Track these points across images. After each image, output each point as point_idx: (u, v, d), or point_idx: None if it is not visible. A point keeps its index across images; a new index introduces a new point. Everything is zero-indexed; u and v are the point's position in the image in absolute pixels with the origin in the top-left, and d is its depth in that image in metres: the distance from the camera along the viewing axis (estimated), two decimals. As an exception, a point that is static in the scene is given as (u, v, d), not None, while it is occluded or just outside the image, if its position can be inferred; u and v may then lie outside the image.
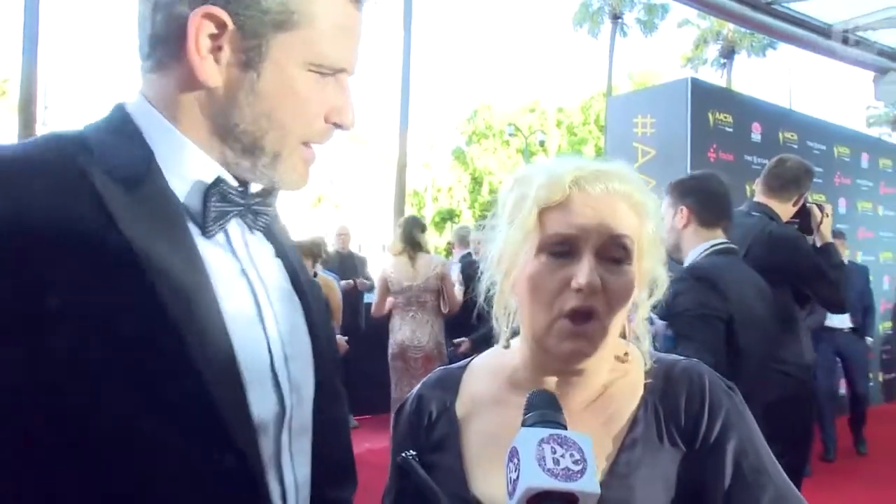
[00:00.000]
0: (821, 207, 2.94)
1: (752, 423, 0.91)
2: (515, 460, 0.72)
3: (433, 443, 0.98)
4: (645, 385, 0.93)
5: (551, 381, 0.93)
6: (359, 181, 37.70)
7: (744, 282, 2.32)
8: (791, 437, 2.46)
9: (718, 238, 2.36)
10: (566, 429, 0.75)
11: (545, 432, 0.72)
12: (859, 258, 6.86)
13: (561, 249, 0.87)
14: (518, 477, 0.70)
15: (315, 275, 4.96)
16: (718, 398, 0.90)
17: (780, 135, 5.98)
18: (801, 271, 2.73)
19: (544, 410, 0.76)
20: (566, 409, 0.81)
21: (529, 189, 0.90)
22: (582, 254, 0.86)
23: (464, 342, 4.51)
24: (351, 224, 8.47)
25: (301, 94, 0.79)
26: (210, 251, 0.78)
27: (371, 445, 4.92)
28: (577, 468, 0.69)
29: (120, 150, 0.76)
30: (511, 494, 0.72)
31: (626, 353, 0.96)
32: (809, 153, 6.23)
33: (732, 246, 2.39)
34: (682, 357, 0.98)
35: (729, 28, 31.70)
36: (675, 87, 5.63)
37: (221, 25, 0.74)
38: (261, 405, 0.77)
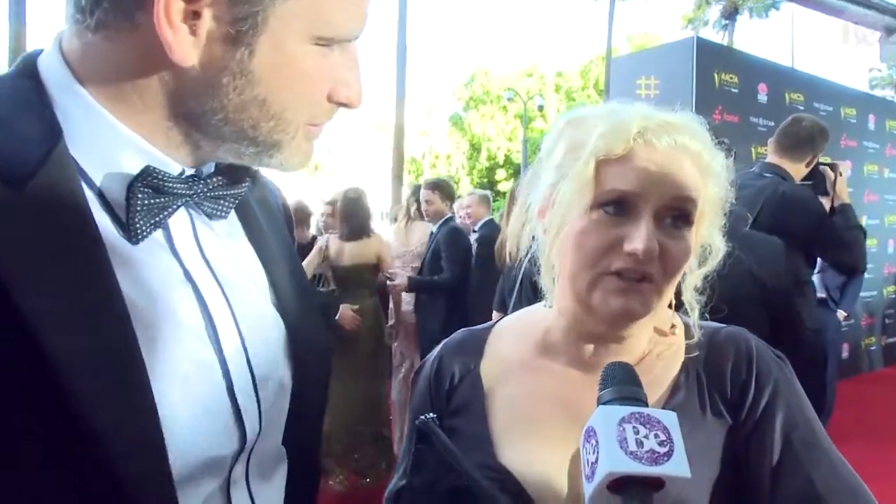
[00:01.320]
0: (833, 167, 2.86)
1: (802, 395, 0.85)
2: (593, 441, 0.65)
3: (455, 407, 0.92)
4: (687, 352, 0.87)
5: (588, 347, 0.87)
6: (356, 149, 37.41)
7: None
8: (809, 398, 2.43)
9: None
10: (647, 405, 0.68)
11: (626, 410, 0.65)
12: (864, 222, 6.79)
13: (617, 207, 0.79)
14: (598, 460, 0.64)
15: (314, 238, 4.86)
16: (767, 366, 0.84)
17: (787, 96, 5.86)
18: (814, 233, 2.64)
19: (622, 385, 0.69)
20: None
21: (587, 137, 0.81)
22: (640, 214, 0.78)
23: (399, 277, 4.17)
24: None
25: (305, 74, 0.62)
26: (138, 258, 0.61)
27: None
28: (663, 450, 0.63)
29: (12, 127, 0.57)
30: (589, 478, 0.65)
31: (672, 326, 0.89)
32: (815, 114, 6.05)
33: None
34: (725, 325, 0.91)
35: (731, -12, 31.07)
36: (680, 46, 5.49)
37: None
38: (204, 448, 0.62)
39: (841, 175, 2.83)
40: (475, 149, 34.84)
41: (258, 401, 0.68)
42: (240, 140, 0.64)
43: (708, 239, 0.86)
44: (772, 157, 2.87)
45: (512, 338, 0.96)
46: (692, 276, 0.87)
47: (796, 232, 2.61)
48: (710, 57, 5.30)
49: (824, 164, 2.88)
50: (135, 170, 0.61)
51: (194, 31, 0.57)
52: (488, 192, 5.33)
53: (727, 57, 5.79)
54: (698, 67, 5.08)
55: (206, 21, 0.57)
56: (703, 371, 0.85)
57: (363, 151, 37.43)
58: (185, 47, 0.57)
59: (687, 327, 0.89)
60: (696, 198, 0.80)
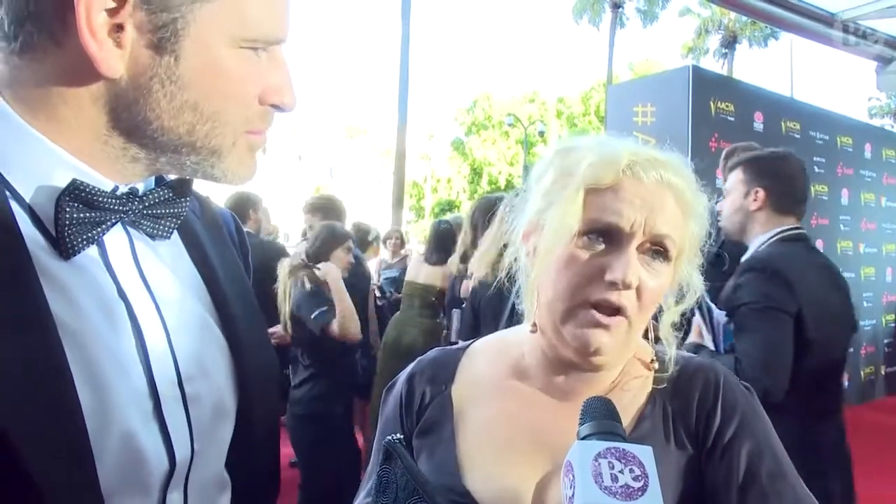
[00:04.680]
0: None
1: (768, 426, 0.85)
2: (570, 476, 0.66)
3: (424, 428, 0.92)
4: (656, 383, 0.88)
5: (561, 374, 0.88)
6: (358, 172, 37.62)
7: (816, 271, 2.17)
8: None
9: (789, 224, 2.20)
10: (626, 439, 0.68)
11: (601, 446, 0.66)
12: (862, 250, 6.79)
13: (601, 236, 0.81)
14: (573, 495, 0.65)
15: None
16: (733, 398, 0.85)
17: (783, 124, 5.90)
18: None
19: (601, 420, 0.70)
20: (573, 405, 0.75)
21: (576, 166, 0.82)
22: (624, 246, 0.80)
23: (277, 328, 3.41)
24: (351, 215, 8.38)
25: (232, 76, 0.64)
26: (70, 274, 0.62)
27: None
28: (637, 485, 0.63)
29: None
30: None
31: (652, 360, 0.90)
32: (812, 143, 6.14)
33: (803, 232, 2.24)
34: (697, 356, 0.92)
35: (730, 17, 31.54)
36: (677, 75, 5.53)
37: None
38: (129, 464, 0.62)
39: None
40: (476, 173, 35.06)
41: (189, 420, 0.68)
42: (178, 149, 0.65)
43: (686, 277, 0.87)
44: None
45: (486, 359, 0.96)
46: (669, 313, 0.88)
47: None
48: (706, 85, 5.34)
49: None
50: (64, 184, 0.61)
51: (119, 43, 0.59)
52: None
53: (723, 85, 5.84)
54: (694, 95, 5.11)
55: (129, 32, 0.59)
56: (669, 402, 0.86)
57: (365, 175, 37.63)
58: (112, 60, 0.59)
59: (661, 360, 0.90)
60: (676, 234, 0.81)
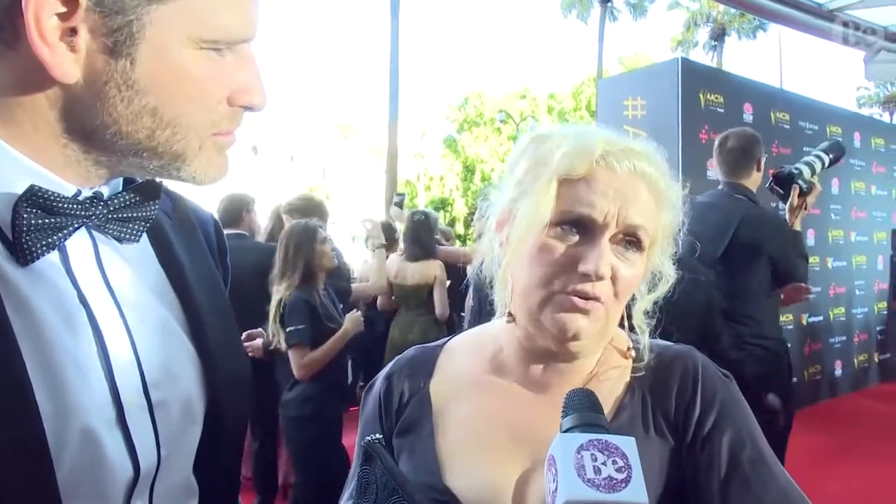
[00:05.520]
0: (809, 189, 2.96)
1: (748, 413, 0.85)
2: (553, 470, 0.66)
3: (403, 426, 0.91)
4: (633, 372, 0.87)
5: (538, 366, 0.87)
6: (350, 171, 37.53)
7: None
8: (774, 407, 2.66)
9: None
10: (609, 431, 0.68)
11: (584, 438, 0.66)
12: (853, 238, 6.83)
13: (574, 227, 0.80)
14: (557, 488, 0.64)
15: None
16: (712, 387, 0.85)
17: (772, 115, 5.91)
18: (784, 252, 2.85)
19: (583, 412, 0.70)
20: (551, 398, 0.74)
21: (550, 155, 0.82)
22: (596, 237, 0.79)
23: (256, 341, 3.16)
24: (343, 214, 8.40)
25: (194, 79, 0.62)
26: (28, 280, 0.60)
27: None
28: (620, 476, 0.63)
29: None
30: None
31: (628, 349, 0.90)
32: (802, 133, 6.17)
33: None
34: (673, 343, 0.91)
35: (719, 10, 31.60)
36: (666, 67, 5.54)
37: (71, 1, 0.55)
38: (91, 472, 0.61)
39: (805, 210, 2.96)
40: (469, 170, 35.01)
41: (154, 425, 0.67)
42: (139, 153, 0.64)
43: (658, 266, 0.87)
44: (730, 178, 2.97)
45: (464, 355, 0.96)
46: (642, 301, 0.88)
47: (769, 249, 2.81)
48: (696, 77, 5.35)
49: (808, 182, 2.96)
50: (18, 190, 0.60)
51: (73, 47, 0.57)
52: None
53: (712, 77, 5.85)
54: (684, 88, 5.12)
55: (83, 36, 0.57)
56: (648, 391, 0.86)
57: (358, 174, 37.56)
58: (66, 65, 0.57)
59: (636, 349, 0.90)
60: (649, 224, 0.81)
